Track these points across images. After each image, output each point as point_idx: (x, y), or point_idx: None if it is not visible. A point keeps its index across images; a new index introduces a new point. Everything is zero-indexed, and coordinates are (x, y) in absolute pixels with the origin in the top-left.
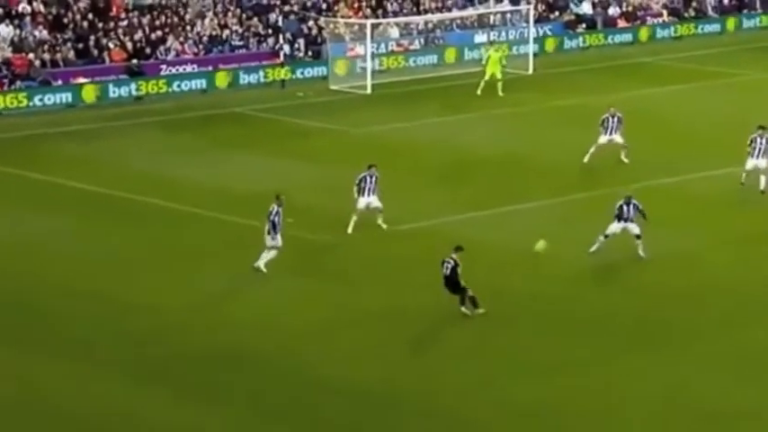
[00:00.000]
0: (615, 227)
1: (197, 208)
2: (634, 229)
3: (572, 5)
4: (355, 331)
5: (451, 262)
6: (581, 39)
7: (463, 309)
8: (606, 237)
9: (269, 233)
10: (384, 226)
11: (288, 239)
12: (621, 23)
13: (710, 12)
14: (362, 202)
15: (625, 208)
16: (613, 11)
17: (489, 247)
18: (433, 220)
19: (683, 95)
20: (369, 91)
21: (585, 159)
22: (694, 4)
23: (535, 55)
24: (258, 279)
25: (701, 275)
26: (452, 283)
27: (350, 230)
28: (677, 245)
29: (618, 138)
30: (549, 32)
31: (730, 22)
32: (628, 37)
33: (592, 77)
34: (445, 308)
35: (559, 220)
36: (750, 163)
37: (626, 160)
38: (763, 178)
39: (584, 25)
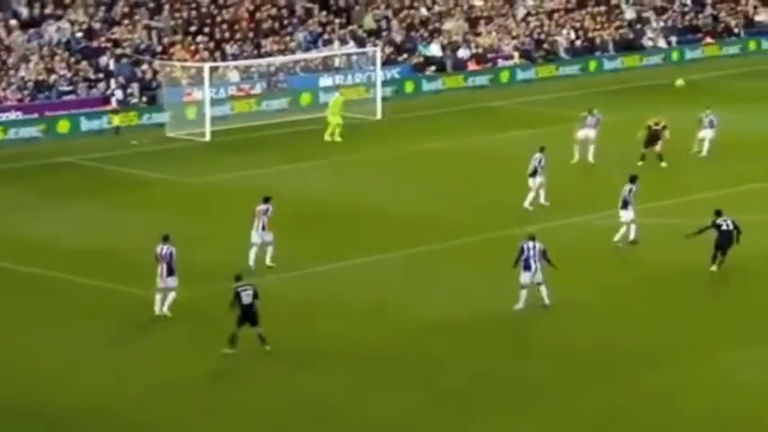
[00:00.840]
0: (525, 276)
1: (18, 265)
2: (538, 276)
3: (420, 47)
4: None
5: (250, 289)
6: (437, 81)
7: (266, 348)
8: (523, 287)
9: (162, 275)
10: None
11: (116, 295)
12: (472, 66)
13: (562, 53)
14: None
15: (531, 253)
16: (463, 53)
17: (337, 300)
18: (277, 274)
19: (540, 140)
20: (208, 138)
21: (526, 204)
22: (546, 45)
23: (384, 99)
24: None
25: (569, 329)
26: (252, 314)
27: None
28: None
29: (538, 180)
30: (397, 75)
31: (591, 65)
32: (483, 80)
33: (445, 122)
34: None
35: (405, 272)
36: (620, 214)
37: (546, 203)
38: (633, 227)
39: (433, 68)
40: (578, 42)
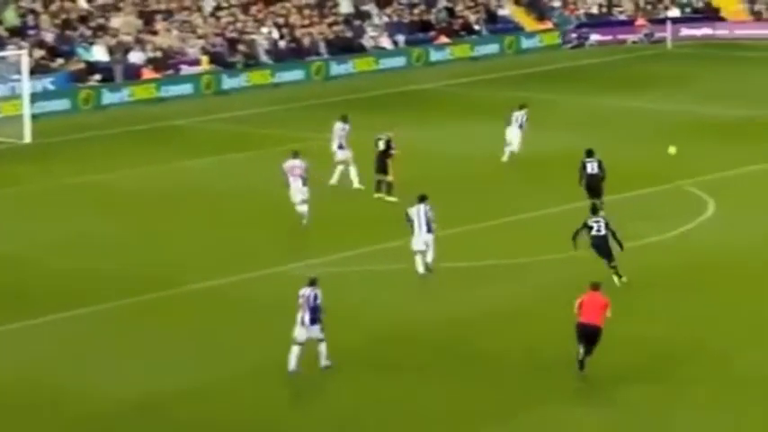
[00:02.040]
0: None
1: None
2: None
3: (80, 50)
4: None
5: None
6: (117, 93)
7: None
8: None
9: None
10: None
11: None
12: (148, 73)
13: (263, 57)
14: None
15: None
16: (137, 57)
17: None
18: None
19: (230, 166)
20: None
21: None
22: (242, 47)
23: (35, 117)
24: None
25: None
26: None
27: None
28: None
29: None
30: (50, 86)
31: (313, 69)
32: (174, 90)
33: (117, 146)
34: None
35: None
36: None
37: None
38: (429, 254)
39: (97, 76)
40: (282, 43)
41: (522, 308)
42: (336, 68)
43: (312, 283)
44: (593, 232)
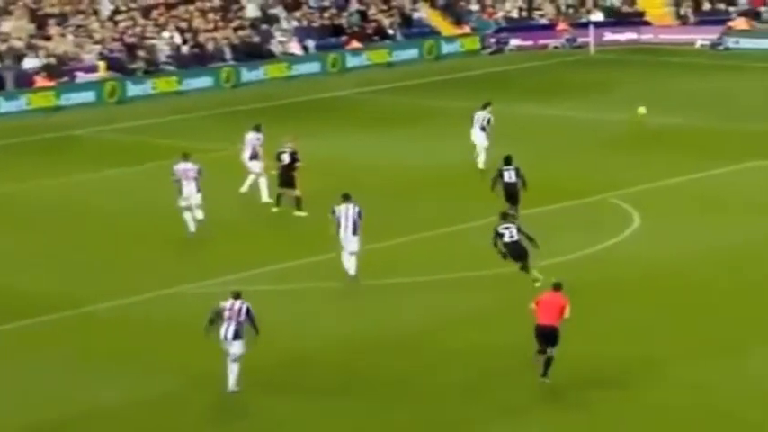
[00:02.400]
0: None
1: None
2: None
3: None
4: None
5: None
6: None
7: None
8: None
9: None
10: None
11: None
12: (41, 81)
13: (165, 63)
14: None
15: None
16: (30, 63)
17: None
18: None
19: (130, 179)
20: None
21: None
22: (142, 53)
23: None
24: None
25: None
26: None
27: None
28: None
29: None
30: None
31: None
32: (71, 99)
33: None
34: None
35: None
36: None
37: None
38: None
39: None
40: (185, 48)
41: (430, 327)
42: (247, 75)
43: (237, 295)
44: (506, 239)
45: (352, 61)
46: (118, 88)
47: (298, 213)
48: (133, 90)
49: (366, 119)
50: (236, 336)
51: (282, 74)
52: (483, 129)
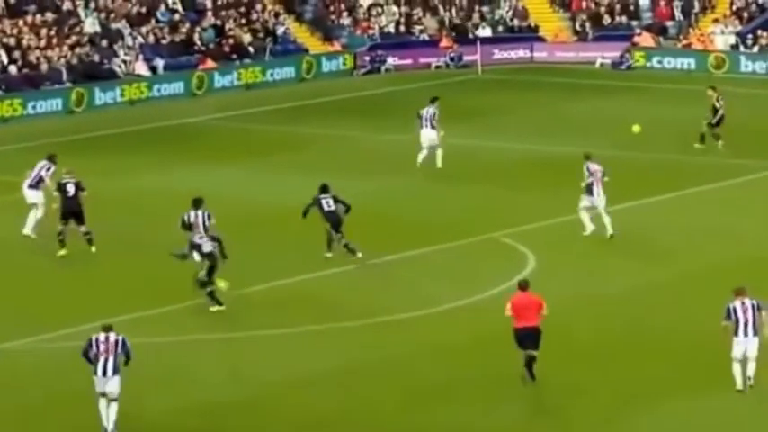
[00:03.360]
0: None
1: None
2: None
3: None
4: None
5: None
6: None
7: None
8: None
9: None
10: None
11: None
12: None
13: None
14: None
15: None
16: None
17: None
18: None
19: None
20: None
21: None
22: None
23: None
24: None
25: None
26: None
27: None
28: None
29: None
30: None
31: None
32: None
33: None
34: None
35: None
36: None
37: None
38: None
39: None
40: (14, 68)
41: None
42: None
43: (109, 328)
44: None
45: (209, 83)
46: None
47: (93, 249)
48: None
49: (216, 148)
50: (115, 371)
51: (128, 97)
52: (433, 126)
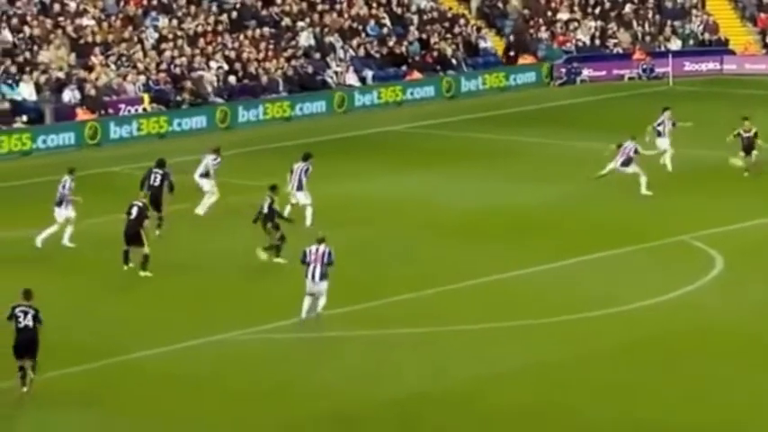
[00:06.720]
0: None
1: None
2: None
3: (4, 88)
4: None
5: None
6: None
7: None
8: None
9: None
10: None
11: None
12: (84, 115)
13: (212, 96)
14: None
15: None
16: (70, 96)
17: None
18: None
19: None
20: None
21: None
22: (189, 84)
23: None
24: None
25: None
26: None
27: None
28: None
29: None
30: None
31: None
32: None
33: None
34: None
35: None
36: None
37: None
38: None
39: (24, 117)
40: (233, 79)
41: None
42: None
43: (322, 240)
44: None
45: (414, 93)
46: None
47: (143, 274)
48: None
49: (423, 155)
50: (323, 277)
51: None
52: (660, 133)
